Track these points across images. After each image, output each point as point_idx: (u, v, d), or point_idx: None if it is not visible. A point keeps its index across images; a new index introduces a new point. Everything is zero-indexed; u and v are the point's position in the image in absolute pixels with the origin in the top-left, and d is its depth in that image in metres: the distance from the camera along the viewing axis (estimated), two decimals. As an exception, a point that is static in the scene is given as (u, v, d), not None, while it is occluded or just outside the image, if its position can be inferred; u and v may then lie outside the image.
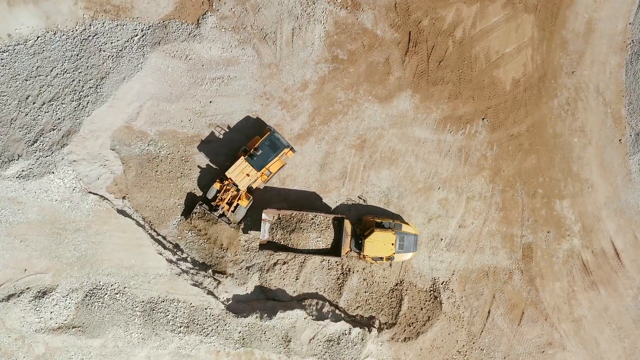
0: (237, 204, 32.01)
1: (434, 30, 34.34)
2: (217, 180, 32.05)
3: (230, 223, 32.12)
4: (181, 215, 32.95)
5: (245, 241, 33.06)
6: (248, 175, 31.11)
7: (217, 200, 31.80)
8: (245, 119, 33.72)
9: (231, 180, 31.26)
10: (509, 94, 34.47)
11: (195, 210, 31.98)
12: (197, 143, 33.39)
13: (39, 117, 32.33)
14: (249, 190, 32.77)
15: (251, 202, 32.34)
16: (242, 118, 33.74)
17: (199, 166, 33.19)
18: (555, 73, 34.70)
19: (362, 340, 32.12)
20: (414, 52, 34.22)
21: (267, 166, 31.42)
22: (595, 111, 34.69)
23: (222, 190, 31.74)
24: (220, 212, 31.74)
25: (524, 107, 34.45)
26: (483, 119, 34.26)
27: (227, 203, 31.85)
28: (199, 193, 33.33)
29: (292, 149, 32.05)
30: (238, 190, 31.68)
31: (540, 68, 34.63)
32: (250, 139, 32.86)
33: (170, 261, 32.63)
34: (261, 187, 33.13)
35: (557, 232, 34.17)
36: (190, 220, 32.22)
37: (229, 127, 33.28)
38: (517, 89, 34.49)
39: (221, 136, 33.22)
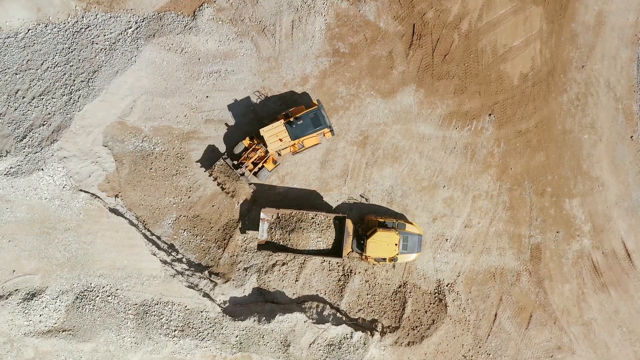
0: (262, 166, 31.44)
1: (439, 22, 33.83)
2: (247, 138, 31.46)
3: (251, 184, 31.60)
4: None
5: (243, 241, 32.52)
6: (281, 140, 30.66)
7: (243, 158, 31.28)
8: (243, 115, 33.12)
9: (262, 139, 30.72)
10: (516, 88, 33.96)
11: (218, 162, 31.36)
12: (193, 139, 32.78)
13: (29, 112, 31.88)
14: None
15: (277, 167, 31.79)
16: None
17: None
18: (564, 67, 34.17)
19: (364, 344, 31.63)
20: (418, 45, 33.72)
21: (302, 138, 30.97)
22: (606, 107, 34.14)
23: (251, 149, 31.23)
24: (243, 170, 31.14)
25: (532, 103, 33.93)
26: (490, 114, 33.73)
27: (252, 162, 31.31)
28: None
29: (332, 130, 31.58)
30: (266, 152, 31.16)
31: (549, 62, 34.13)
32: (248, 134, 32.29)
33: (165, 262, 32.15)
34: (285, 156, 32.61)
35: (566, 232, 33.62)
36: (211, 172, 31.60)
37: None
38: (525, 84, 33.98)
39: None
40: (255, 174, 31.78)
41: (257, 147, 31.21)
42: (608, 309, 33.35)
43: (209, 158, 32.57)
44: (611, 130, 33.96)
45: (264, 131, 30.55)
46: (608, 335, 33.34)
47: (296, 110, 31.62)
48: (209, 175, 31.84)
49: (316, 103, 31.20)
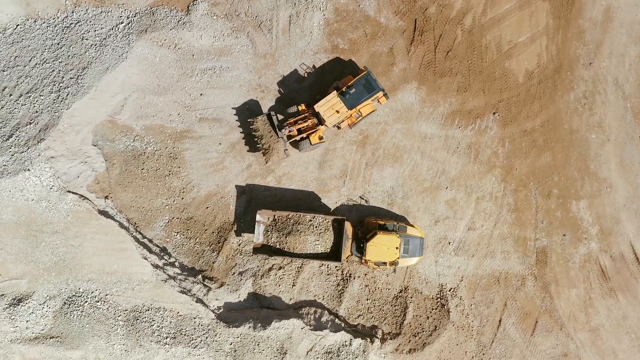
0: (307, 137, 30.74)
1: (442, 17, 33.15)
2: (304, 104, 30.91)
3: (286, 150, 30.70)
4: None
5: (238, 244, 31.76)
6: (337, 112, 30.11)
7: (291, 120, 30.50)
8: (239, 113, 32.33)
9: (319, 114, 30.14)
10: (522, 86, 33.30)
11: (264, 115, 30.69)
12: (187, 139, 31.99)
13: (16, 109, 31.00)
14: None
15: (320, 144, 31.11)
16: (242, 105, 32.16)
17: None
18: (571, 64, 33.51)
19: (364, 352, 30.97)
20: (420, 41, 33.04)
21: (358, 107, 30.45)
22: (614, 105, 33.49)
23: (302, 116, 30.59)
24: (287, 132, 30.28)
25: (538, 101, 33.27)
26: (494, 113, 33.09)
27: (297, 130, 30.60)
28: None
29: (386, 94, 31.10)
30: (317, 124, 30.56)
31: (556, 59, 33.47)
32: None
33: (156, 266, 31.35)
34: (345, 131, 32.02)
35: (573, 235, 32.97)
36: (254, 121, 30.82)
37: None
38: (530, 81, 33.33)
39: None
40: (296, 142, 31.07)
41: (309, 116, 30.54)
42: (616, 315, 32.75)
43: (252, 111, 31.94)
44: (619, 130, 33.33)
45: (319, 106, 29.98)
46: (616, 341, 32.75)
47: (346, 80, 31.18)
48: (250, 126, 31.04)
49: (364, 69, 30.81)
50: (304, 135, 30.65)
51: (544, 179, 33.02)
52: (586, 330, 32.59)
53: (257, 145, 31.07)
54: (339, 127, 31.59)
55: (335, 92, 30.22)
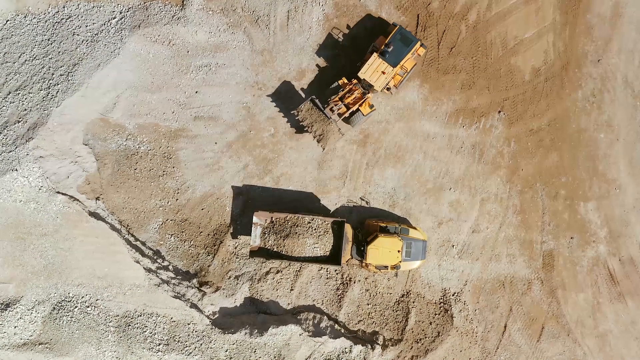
0: (357, 110, 30.06)
1: (445, 13, 32.47)
2: (344, 78, 30.14)
3: (340, 129, 29.99)
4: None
5: (235, 247, 31.19)
6: (384, 72, 29.49)
7: (334, 99, 29.77)
8: (235, 111, 31.34)
9: (364, 81, 29.51)
10: (528, 84, 32.64)
11: (306, 103, 29.82)
12: (182, 138, 31.41)
13: (4, 108, 30.43)
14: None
15: (372, 113, 30.45)
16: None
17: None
18: (579, 61, 32.80)
19: (365, 359, 30.39)
20: (422, 37, 32.36)
21: (401, 63, 29.73)
22: (624, 104, 32.80)
23: (346, 90, 29.81)
24: (336, 111, 29.58)
25: (545, 99, 32.58)
26: (499, 112, 32.47)
27: (345, 105, 29.85)
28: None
29: (423, 44, 30.57)
30: (363, 94, 29.93)
31: (563, 56, 32.76)
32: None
33: (149, 270, 30.72)
34: (393, 92, 31.31)
35: (581, 238, 32.36)
36: (299, 111, 30.03)
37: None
38: (537, 79, 32.65)
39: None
40: (346, 119, 30.38)
41: (354, 87, 29.76)
42: (625, 320, 32.18)
43: (296, 98, 31.38)
44: (629, 129, 32.65)
45: (363, 73, 29.35)
46: (624, 347, 32.17)
47: (380, 40, 30.55)
48: (296, 117, 30.29)
49: (394, 25, 30.30)
50: (353, 108, 29.94)
51: (551, 180, 32.42)
52: (594, 336, 32.04)
53: (310, 134, 30.36)
54: (388, 89, 30.82)
55: (375, 54, 29.55)
